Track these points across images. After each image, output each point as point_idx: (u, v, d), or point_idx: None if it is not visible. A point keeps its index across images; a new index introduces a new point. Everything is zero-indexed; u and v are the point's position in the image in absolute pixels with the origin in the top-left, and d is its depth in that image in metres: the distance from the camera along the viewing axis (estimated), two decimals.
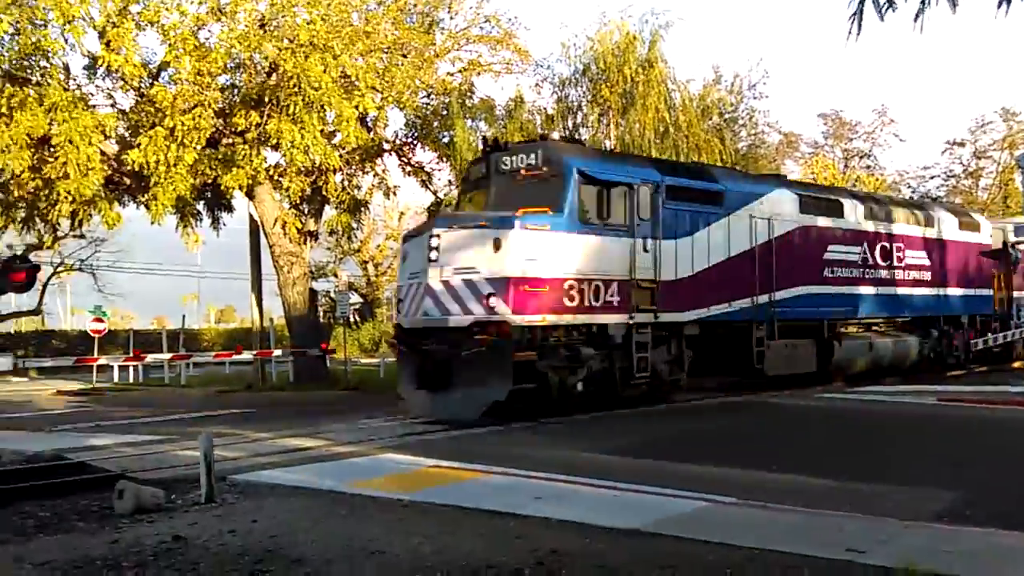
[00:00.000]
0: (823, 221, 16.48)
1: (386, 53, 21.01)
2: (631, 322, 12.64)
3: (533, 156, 12.63)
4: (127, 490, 6.83)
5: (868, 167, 43.99)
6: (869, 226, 17.53)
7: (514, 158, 12.80)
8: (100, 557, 5.51)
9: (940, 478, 7.87)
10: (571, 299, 11.92)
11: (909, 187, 45.10)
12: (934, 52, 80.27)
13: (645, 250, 12.83)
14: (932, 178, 46.18)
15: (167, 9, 17.70)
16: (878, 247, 17.63)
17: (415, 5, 23.87)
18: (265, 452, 9.83)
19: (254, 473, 8.22)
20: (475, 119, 24.70)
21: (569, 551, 5.43)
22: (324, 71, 17.43)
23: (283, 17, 18.66)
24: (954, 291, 19.73)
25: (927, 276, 18.94)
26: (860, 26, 5.21)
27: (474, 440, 10.49)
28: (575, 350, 12.16)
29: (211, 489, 7.07)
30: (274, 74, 18.52)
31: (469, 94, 24.24)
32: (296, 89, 17.35)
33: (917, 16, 5.34)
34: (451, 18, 25.15)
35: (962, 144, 45.33)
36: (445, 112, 23.36)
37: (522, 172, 12.60)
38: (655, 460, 8.88)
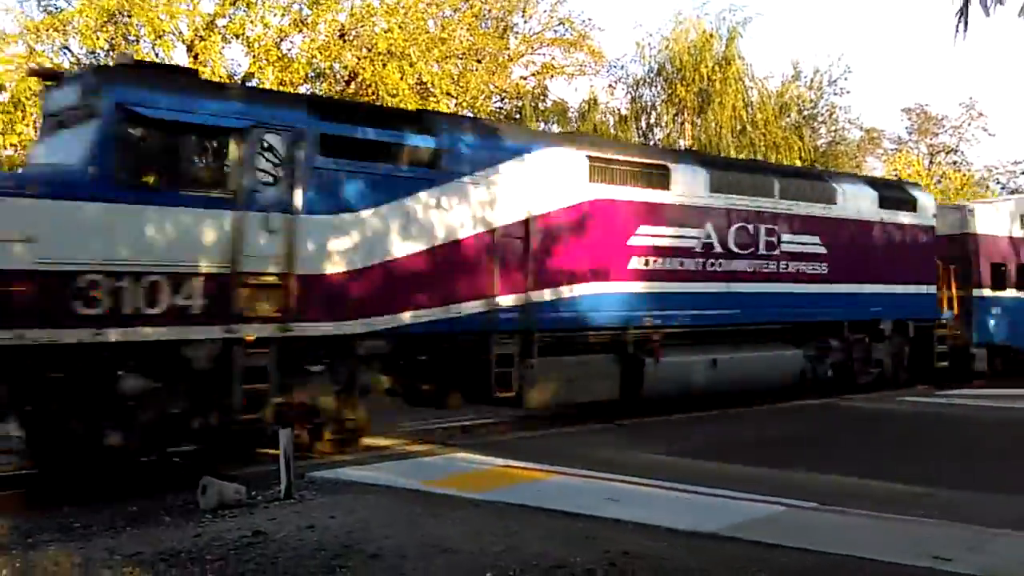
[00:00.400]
0: (632, 194, 11.87)
1: (461, 59, 21.28)
2: (230, 337, 8.49)
3: (73, 89, 8.73)
4: (210, 486, 7.06)
5: (954, 163, 42.26)
6: (718, 201, 12.92)
7: (59, 93, 9.01)
8: (185, 550, 5.71)
9: None
10: (91, 303, 7.71)
11: (998, 183, 43.12)
12: None
13: (268, 229, 8.66)
14: (1023, 173, 44.13)
15: (252, 22, 18.35)
16: (734, 230, 13.07)
17: (489, 10, 24.13)
18: (342, 449, 10.03)
19: (331, 470, 8.40)
20: (548, 122, 24.78)
21: (642, 553, 5.38)
22: (401, 78, 17.78)
23: (362, 27, 19.12)
24: (870, 288, 15.07)
25: (821, 269, 14.33)
26: (967, 24, 4.89)
27: (546, 440, 10.49)
28: (108, 384, 7.99)
29: (290, 485, 7.26)
30: (353, 82, 18.97)
31: (542, 97, 24.38)
32: (374, 97, 17.73)
33: (1022, 11, 4.99)
34: (525, 21, 25.39)
35: None
36: (518, 116, 23.51)
37: (65, 113, 8.75)
38: (730, 463, 8.71)
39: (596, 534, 5.87)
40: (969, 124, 42.10)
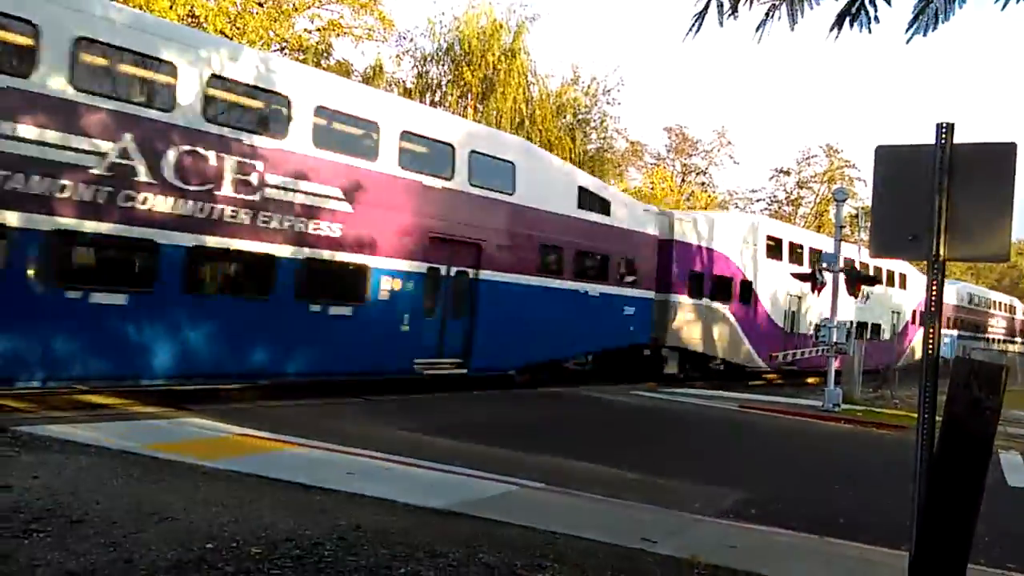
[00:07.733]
0: None
1: None
2: None
3: None
4: None
5: (703, 184, 46.60)
6: None
7: None
8: None
9: (731, 478, 8.44)
10: None
11: (737, 206, 48.34)
12: (774, 83, 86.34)
13: None
14: (758, 201, 49.94)
15: None
16: None
17: None
18: (58, 405, 9.10)
19: (41, 426, 7.57)
20: None
21: (373, 527, 5.35)
22: (171, 7, 16.34)
23: None
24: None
25: None
26: (700, 27, 5.45)
27: (290, 411, 10.18)
28: None
29: None
30: None
31: (326, 55, 23.55)
32: None
33: (758, 28, 5.63)
34: None
35: (788, 173, 49.28)
36: None
37: None
38: (473, 443, 8.96)
39: (330, 507, 5.77)
40: (719, 150, 46.72)
